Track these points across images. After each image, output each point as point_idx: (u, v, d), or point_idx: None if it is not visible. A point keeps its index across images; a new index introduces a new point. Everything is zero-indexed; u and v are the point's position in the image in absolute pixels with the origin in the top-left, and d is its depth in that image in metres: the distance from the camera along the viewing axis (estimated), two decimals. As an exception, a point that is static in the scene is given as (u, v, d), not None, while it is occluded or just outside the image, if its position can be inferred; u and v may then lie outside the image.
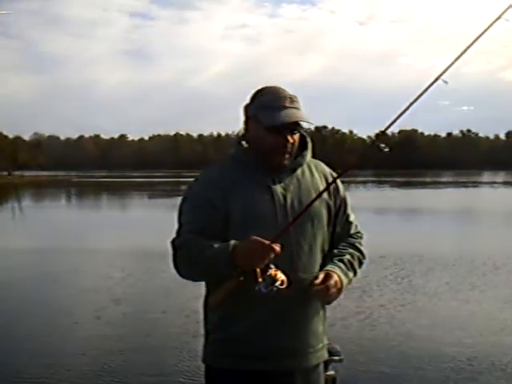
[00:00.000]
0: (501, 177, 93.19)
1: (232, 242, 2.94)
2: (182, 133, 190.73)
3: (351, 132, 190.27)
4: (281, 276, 2.94)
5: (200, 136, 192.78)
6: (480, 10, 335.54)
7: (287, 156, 3.14)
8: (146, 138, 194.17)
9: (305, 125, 3.20)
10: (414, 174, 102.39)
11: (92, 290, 12.35)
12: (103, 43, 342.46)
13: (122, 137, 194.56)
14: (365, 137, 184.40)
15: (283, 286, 2.94)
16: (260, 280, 2.91)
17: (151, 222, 26.96)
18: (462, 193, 52.53)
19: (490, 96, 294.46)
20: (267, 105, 3.12)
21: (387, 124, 3.02)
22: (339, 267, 3.16)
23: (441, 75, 2.98)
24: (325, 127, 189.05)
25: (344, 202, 3.35)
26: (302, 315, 3.16)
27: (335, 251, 3.26)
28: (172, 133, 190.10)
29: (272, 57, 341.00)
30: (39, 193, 59.20)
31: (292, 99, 3.12)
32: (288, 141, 3.11)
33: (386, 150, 2.99)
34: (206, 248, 2.97)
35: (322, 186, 3.24)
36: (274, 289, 2.91)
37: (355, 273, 3.27)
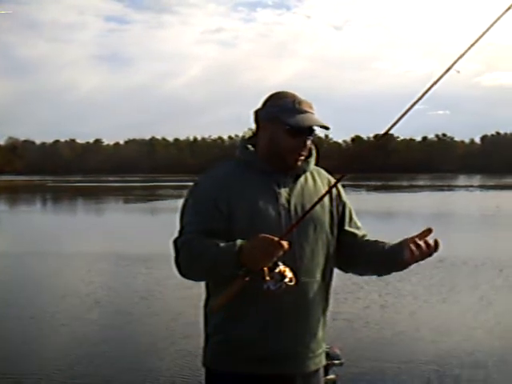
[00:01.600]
0: (476, 180, 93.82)
1: (238, 241, 2.95)
2: (157, 137, 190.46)
3: (327, 136, 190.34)
4: (289, 273, 2.92)
5: (176, 140, 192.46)
6: (452, 16, 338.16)
7: (302, 158, 3.23)
8: (122, 142, 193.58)
9: (318, 131, 3.29)
10: (389, 177, 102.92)
11: (70, 294, 12.33)
12: (79, 47, 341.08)
13: (98, 141, 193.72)
14: (340, 141, 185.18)
15: (292, 283, 2.93)
16: (268, 278, 2.88)
17: (127, 227, 26.91)
18: (437, 196, 52.81)
19: (466, 100, 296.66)
20: (291, 108, 3.20)
21: (392, 122, 3.13)
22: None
23: (453, 64, 3.17)
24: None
25: (347, 207, 3.40)
26: (304, 319, 3.18)
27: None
28: (148, 137, 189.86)
29: (248, 61, 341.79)
30: (14, 198, 58.76)
31: (310, 105, 3.24)
32: (306, 144, 3.22)
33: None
34: (211, 247, 2.98)
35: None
36: (283, 286, 2.90)
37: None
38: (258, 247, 2.87)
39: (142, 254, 17.68)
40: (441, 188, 67.72)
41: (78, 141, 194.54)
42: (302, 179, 3.28)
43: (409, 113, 3.06)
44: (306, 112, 3.20)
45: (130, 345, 8.88)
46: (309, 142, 3.23)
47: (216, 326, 3.21)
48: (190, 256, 3.04)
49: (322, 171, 3.43)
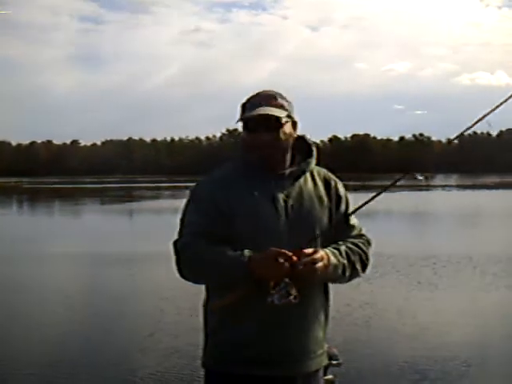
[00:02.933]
0: (453, 180, 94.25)
1: (246, 251, 2.98)
2: (134, 138, 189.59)
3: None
4: (295, 290, 2.93)
5: (153, 141, 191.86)
6: (429, 16, 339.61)
7: (270, 155, 3.18)
8: (99, 143, 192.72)
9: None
10: (367, 177, 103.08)
11: (49, 295, 12.35)
12: (54, 48, 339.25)
13: (75, 142, 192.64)
14: (318, 141, 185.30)
15: (296, 301, 2.94)
16: (273, 292, 2.90)
17: (103, 228, 26.81)
18: (415, 196, 52.87)
19: (443, 100, 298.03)
20: (248, 105, 3.22)
21: (459, 132, 3.26)
22: (330, 249, 3.12)
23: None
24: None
25: (344, 204, 3.35)
26: (303, 321, 3.20)
27: (333, 244, 3.20)
28: (125, 138, 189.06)
29: (224, 61, 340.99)
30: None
31: (270, 97, 3.20)
32: (261, 139, 3.14)
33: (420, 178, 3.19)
34: (218, 254, 2.99)
35: (324, 193, 3.27)
36: (287, 302, 2.91)
37: (353, 267, 3.22)
38: (269, 262, 2.90)
39: (119, 255, 17.69)
40: (418, 187, 67.92)
41: (55, 142, 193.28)
42: (301, 180, 3.26)
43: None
44: (260, 105, 3.16)
45: (110, 344, 8.88)
46: (268, 137, 3.15)
47: (214, 326, 3.22)
48: (194, 261, 3.08)
49: (324, 171, 3.42)
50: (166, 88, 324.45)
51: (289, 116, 3.23)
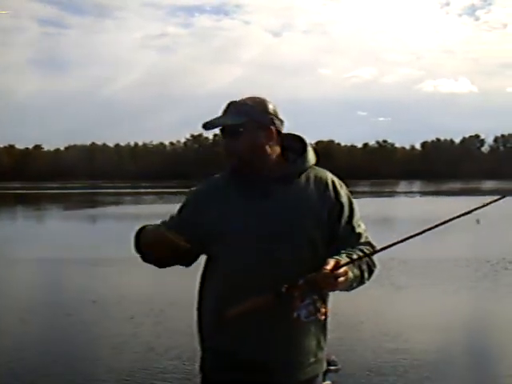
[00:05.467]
0: (417, 186, 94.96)
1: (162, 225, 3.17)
2: (98, 143, 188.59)
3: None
4: (323, 307, 2.92)
5: (116, 146, 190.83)
6: (386, 21, 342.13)
7: (234, 159, 3.23)
8: (62, 148, 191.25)
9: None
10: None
11: (12, 299, 12.40)
12: (14, 51, 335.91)
13: (38, 147, 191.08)
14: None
15: (323, 318, 2.95)
16: (300, 306, 2.87)
17: (66, 233, 26.68)
18: (378, 202, 53.18)
19: (407, 107, 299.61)
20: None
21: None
22: (345, 260, 3.01)
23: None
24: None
25: (346, 211, 3.25)
26: (289, 330, 3.08)
27: (343, 251, 3.09)
28: (88, 143, 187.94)
29: (187, 66, 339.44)
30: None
31: (231, 105, 3.25)
32: (224, 144, 3.24)
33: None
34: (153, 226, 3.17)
35: (316, 196, 3.20)
36: (314, 319, 2.90)
37: (362, 276, 3.14)
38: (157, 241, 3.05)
39: (81, 260, 17.67)
40: (381, 194, 68.32)
41: (17, 146, 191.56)
42: (290, 183, 3.22)
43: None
44: (223, 112, 3.27)
45: (75, 345, 8.95)
46: (228, 144, 3.23)
47: (204, 333, 3.28)
48: (140, 237, 3.20)
49: (323, 172, 3.34)
50: (130, 93, 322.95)
51: (254, 121, 3.21)
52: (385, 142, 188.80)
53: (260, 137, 3.22)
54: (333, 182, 3.29)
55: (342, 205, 3.25)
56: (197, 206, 3.29)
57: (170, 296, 12.02)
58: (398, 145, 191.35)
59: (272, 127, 3.25)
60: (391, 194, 68.97)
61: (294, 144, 3.34)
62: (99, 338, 9.43)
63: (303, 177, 3.25)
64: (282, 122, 3.32)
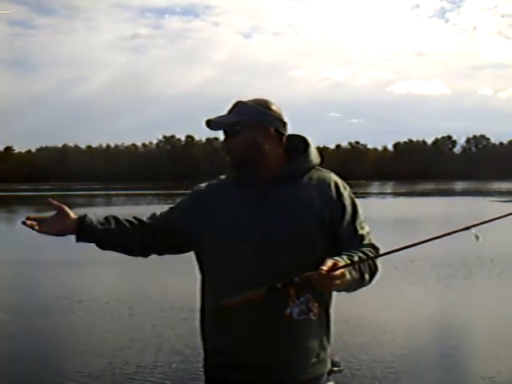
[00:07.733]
0: (389, 187, 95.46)
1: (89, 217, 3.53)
2: (70, 144, 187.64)
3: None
4: (316, 308, 2.90)
5: (88, 147, 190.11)
6: (357, 23, 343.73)
7: (231, 160, 3.24)
8: (34, 150, 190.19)
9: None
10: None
11: None
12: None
13: (8, 149, 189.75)
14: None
15: (315, 318, 2.92)
16: (292, 303, 2.84)
17: (38, 235, 26.50)
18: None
19: (379, 109, 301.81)
20: None
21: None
22: (345, 261, 2.92)
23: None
24: (216, 139, 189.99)
25: (346, 212, 3.20)
26: (290, 330, 3.08)
27: (344, 252, 3.01)
28: (60, 144, 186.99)
29: (157, 67, 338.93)
30: None
31: (235, 105, 3.26)
32: (224, 143, 3.25)
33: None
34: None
35: (318, 197, 3.16)
36: (306, 318, 2.88)
37: (362, 278, 3.05)
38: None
39: (53, 260, 17.62)
40: (354, 195, 68.61)
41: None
42: (293, 183, 3.19)
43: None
44: (228, 111, 3.27)
45: (47, 344, 9.11)
46: (229, 141, 3.24)
47: (205, 334, 3.30)
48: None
49: (326, 174, 3.31)
50: (101, 94, 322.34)
51: (252, 120, 3.20)
52: (357, 143, 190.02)
53: (257, 135, 3.20)
54: (336, 184, 3.26)
55: (344, 206, 3.21)
56: (195, 204, 3.30)
57: (147, 294, 12.02)
58: (370, 146, 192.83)
59: (270, 127, 3.22)
60: (364, 195, 69.06)
61: (299, 145, 3.30)
62: (81, 337, 9.42)
63: (306, 177, 3.22)
64: (285, 123, 3.30)
